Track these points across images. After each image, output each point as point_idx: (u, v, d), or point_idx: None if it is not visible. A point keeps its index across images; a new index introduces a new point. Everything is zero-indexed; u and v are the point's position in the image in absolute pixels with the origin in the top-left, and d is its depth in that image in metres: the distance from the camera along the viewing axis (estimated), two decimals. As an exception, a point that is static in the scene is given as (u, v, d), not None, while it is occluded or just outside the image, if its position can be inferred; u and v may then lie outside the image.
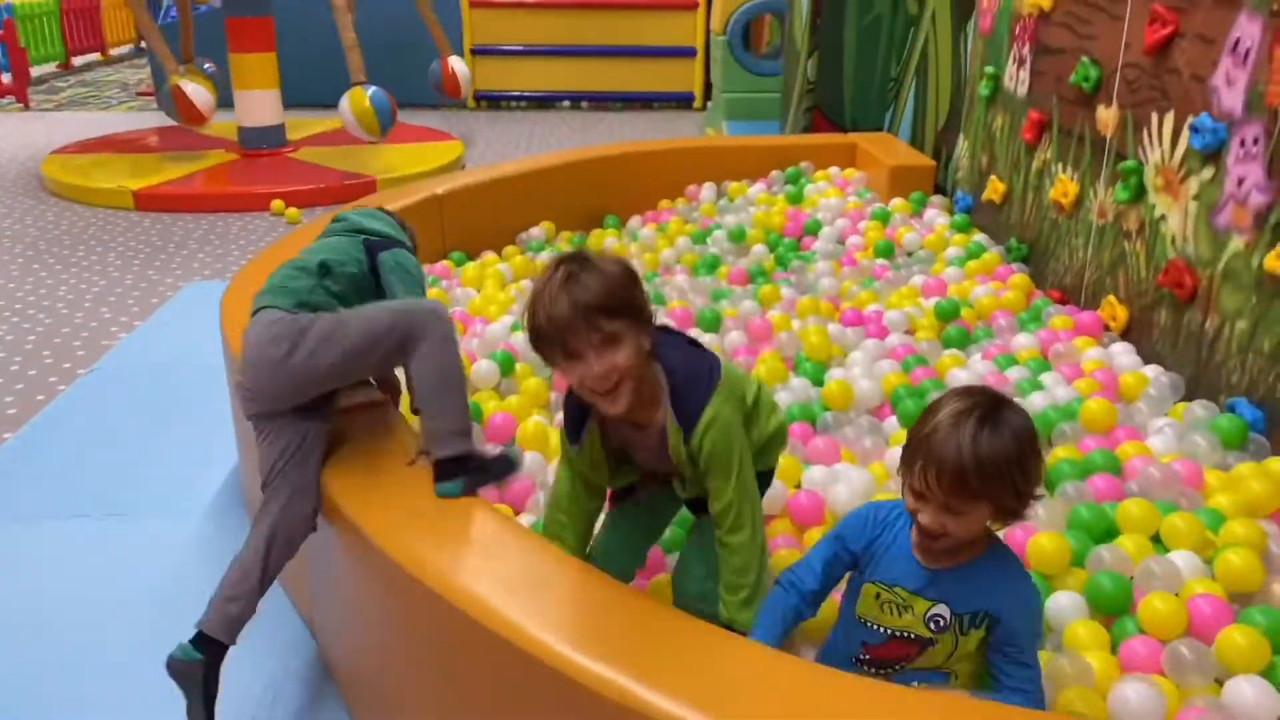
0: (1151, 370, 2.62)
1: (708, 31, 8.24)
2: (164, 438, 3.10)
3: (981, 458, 1.34)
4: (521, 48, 8.86)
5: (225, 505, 2.76)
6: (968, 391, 1.43)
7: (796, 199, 4.23)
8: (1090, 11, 3.05)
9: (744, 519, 1.63)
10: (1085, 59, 3.04)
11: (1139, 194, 2.78)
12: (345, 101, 5.74)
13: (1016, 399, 1.88)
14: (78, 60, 11.17)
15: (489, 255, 3.74)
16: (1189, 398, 2.51)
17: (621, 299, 1.52)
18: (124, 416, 3.25)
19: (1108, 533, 1.97)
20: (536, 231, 4.01)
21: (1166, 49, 2.64)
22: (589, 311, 1.49)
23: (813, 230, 3.92)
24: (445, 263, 3.63)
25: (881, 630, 1.53)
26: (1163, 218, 2.67)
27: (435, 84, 6.94)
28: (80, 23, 11.03)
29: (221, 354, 2.65)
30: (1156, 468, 2.09)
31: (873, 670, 1.56)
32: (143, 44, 11.62)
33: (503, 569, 1.58)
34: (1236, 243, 2.37)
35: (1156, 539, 1.95)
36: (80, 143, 7.01)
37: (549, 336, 1.51)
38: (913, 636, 1.51)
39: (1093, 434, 2.35)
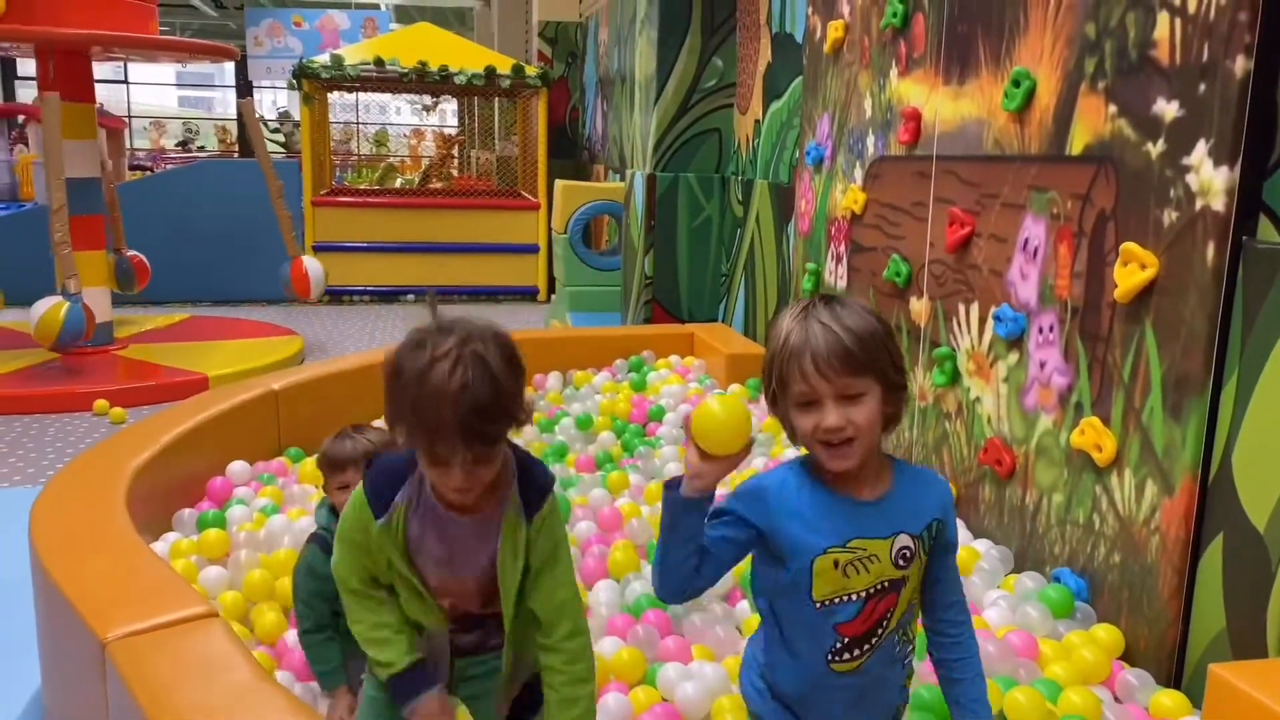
0: (982, 544, 2.74)
1: (549, 229, 8.56)
2: (-46, 664, 2.78)
3: (850, 328, 1.34)
4: (365, 244, 8.96)
5: (24, 737, 2.47)
6: (797, 303, 1.41)
7: (640, 386, 4.34)
8: (897, 214, 3.34)
9: (582, 619, 1.52)
10: (896, 256, 3.31)
11: (955, 378, 2.98)
12: (41, 305, 5.54)
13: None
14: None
15: (329, 451, 3.64)
16: (1018, 569, 2.63)
17: (511, 395, 1.35)
18: (-93, 642, 2.90)
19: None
20: (380, 424, 3.94)
21: (966, 247, 2.91)
22: (478, 418, 1.30)
23: (657, 416, 4.00)
24: (282, 459, 3.50)
25: (856, 597, 1.40)
26: (978, 399, 2.87)
27: (285, 283, 6.77)
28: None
29: (28, 566, 2.44)
30: (992, 643, 2.15)
31: (853, 656, 1.42)
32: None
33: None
34: (1045, 421, 2.56)
35: (1001, 715, 1.99)
36: (-121, 342, 6.56)
37: (423, 433, 1.33)
38: (887, 584, 1.41)
39: (934, 609, 2.42)
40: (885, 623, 1.44)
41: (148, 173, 14.05)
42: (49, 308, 5.52)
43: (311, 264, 6.68)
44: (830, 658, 1.43)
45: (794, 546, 1.39)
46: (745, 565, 2.59)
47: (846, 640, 1.41)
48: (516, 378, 1.37)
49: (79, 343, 5.70)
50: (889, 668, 1.48)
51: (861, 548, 1.39)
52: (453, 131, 13.28)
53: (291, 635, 2.36)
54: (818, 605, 1.40)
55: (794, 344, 1.35)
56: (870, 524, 1.40)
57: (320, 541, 2.04)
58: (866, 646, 1.43)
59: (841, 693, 1.45)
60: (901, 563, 1.41)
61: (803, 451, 1.46)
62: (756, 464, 3.40)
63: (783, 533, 1.39)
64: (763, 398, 1.44)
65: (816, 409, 1.35)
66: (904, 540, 1.41)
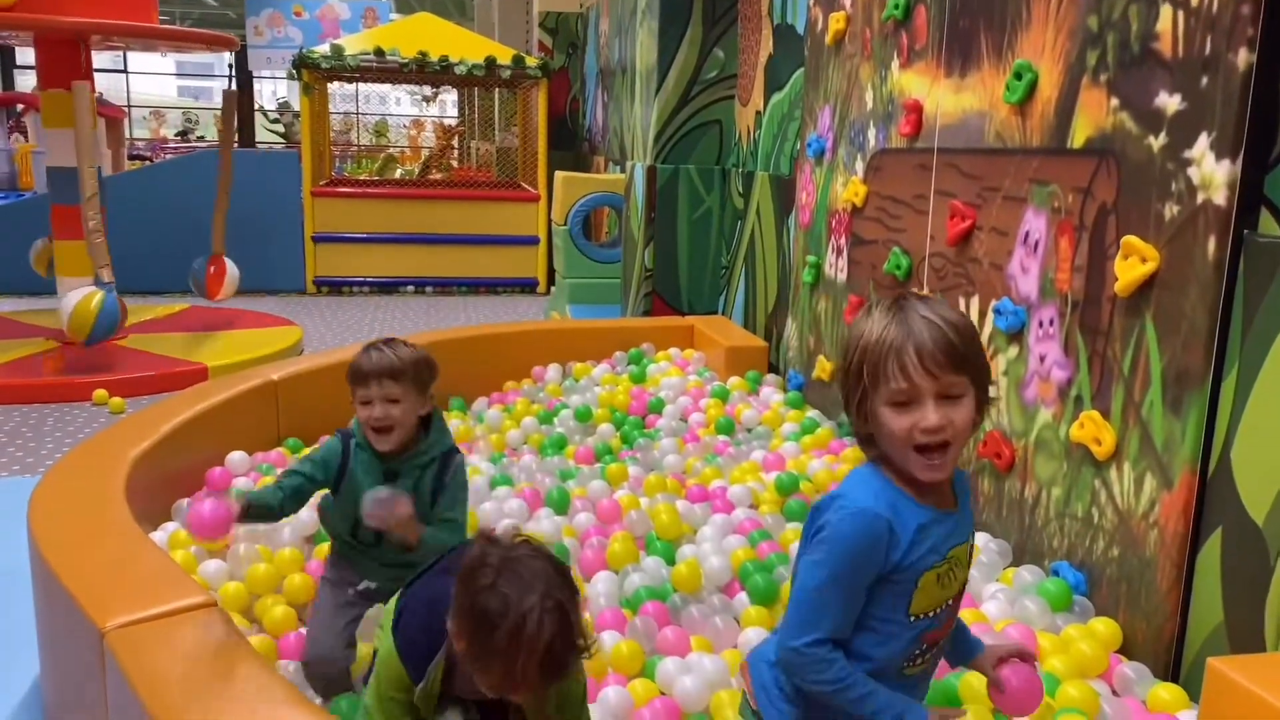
0: (981, 538, 2.74)
1: (549, 221, 8.54)
2: (-47, 652, 2.78)
3: (953, 322, 1.27)
4: (364, 235, 8.94)
5: (23, 725, 2.47)
6: (877, 302, 1.33)
7: (640, 378, 4.33)
8: (898, 207, 3.34)
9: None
10: (896, 249, 3.30)
11: (955, 371, 2.98)
12: (74, 296, 5.39)
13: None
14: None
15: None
16: (1016, 563, 2.63)
17: (582, 631, 1.40)
18: (-94, 630, 2.91)
19: (949, 704, 2.00)
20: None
21: (967, 240, 2.91)
22: (561, 666, 1.37)
23: (656, 408, 4.00)
24: (281, 450, 3.50)
25: (947, 606, 1.39)
26: (977, 392, 2.86)
27: (195, 278, 6.68)
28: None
29: (26, 554, 2.44)
30: (991, 636, 2.15)
31: (925, 660, 1.42)
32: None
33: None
34: (1045, 415, 2.56)
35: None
36: (-122, 331, 6.55)
37: (508, 681, 1.37)
38: (962, 586, 1.41)
39: (932, 602, 2.42)
40: (951, 625, 1.45)
41: (147, 162, 14.03)
42: (81, 298, 5.33)
43: (231, 266, 6.67)
44: (906, 664, 1.40)
45: (911, 569, 1.33)
46: (743, 558, 2.60)
47: (925, 646, 1.40)
48: (580, 611, 1.41)
49: (112, 335, 5.52)
50: (938, 661, 1.49)
51: (954, 556, 1.37)
52: (453, 122, 13.25)
53: (295, 634, 2.36)
54: (911, 619, 1.36)
55: (893, 338, 1.26)
56: (958, 532, 1.38)
57: (341, 434, 2.19)
58: (936, 649, 1.43)
59: (902, 691, 1.41)
60: (970, 560, 1.42)
61: (848, 457, 1.47)
62: (755, 456, 3.40)
63: (903, 564, 1.33)
64: (843, 403, 1.37)
65: (915, 408, 1.27)
66: (972, 539, 1.41)
